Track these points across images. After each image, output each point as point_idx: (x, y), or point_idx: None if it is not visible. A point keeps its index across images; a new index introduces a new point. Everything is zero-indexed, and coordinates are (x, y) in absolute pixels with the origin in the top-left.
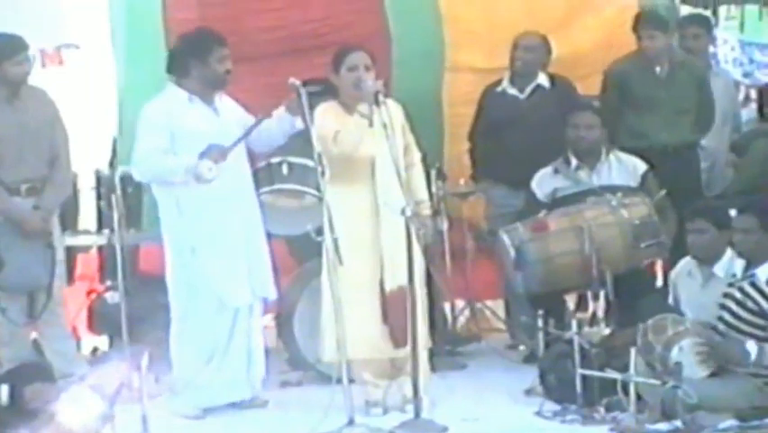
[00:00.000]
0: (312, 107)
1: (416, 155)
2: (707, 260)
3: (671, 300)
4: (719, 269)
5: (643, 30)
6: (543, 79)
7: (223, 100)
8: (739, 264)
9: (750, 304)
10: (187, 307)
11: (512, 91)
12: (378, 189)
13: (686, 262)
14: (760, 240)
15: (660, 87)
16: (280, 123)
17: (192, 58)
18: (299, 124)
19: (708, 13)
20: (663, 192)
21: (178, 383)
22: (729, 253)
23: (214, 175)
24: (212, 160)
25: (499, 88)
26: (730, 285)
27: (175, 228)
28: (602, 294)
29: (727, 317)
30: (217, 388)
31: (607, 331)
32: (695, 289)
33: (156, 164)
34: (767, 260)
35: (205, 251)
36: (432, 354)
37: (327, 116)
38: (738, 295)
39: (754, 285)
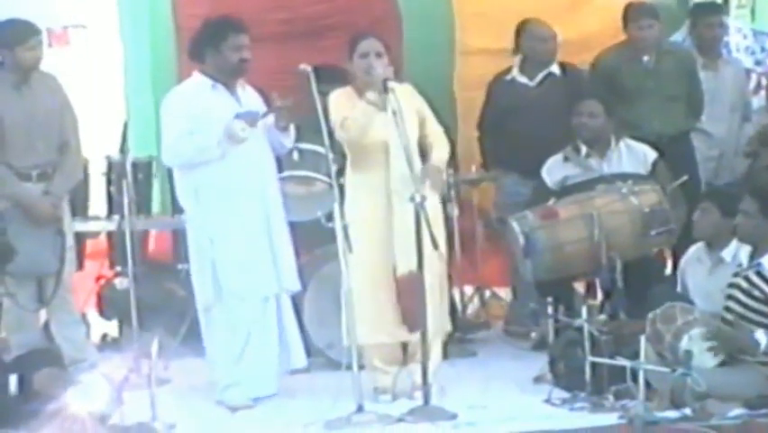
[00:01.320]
0: (325, 93)
1: (435, 127)
2: (710, 242)
3: (679, 288)
4: (727, 254)
5: (638, 20)
6: (554, 68)
7: (246, 90)
8: (745, 252)
9: (756, 293)
10: (211, 298)
11: (522, 79)
12: (391, 175)
13: (696, 249)
14: (759, 225)
15: (648, 76)
16: (270, 135)
17: (207, 45)
18: (287, 142)
19: (719, 1)
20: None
21: (213, 373)
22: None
23: (247, 135)
24: (245, 121)
25: (509, 77)
26: (735, 275)
27: (193, 218)
28: (600, 282)
29: (734, 306)
30: (250, 383)
31: (603, 317)
32: (703, 274)
33: (185, 146)
34: (766, 243)
35: (223, 242)
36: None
37: (339, 102)
38: (744, 284)
39: (759, 274)
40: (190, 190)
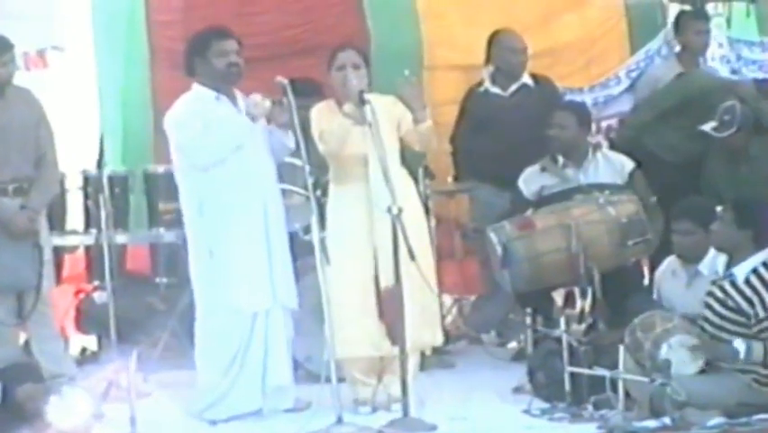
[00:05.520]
0: (301, 107)
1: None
2: (692, 259)
3: (655, 299)
4: (704, 267)
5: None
6: (527, 79)
7: (246, 102)
8: (721, 261)
9: (731, 303)
10: (207, 309)
11: (495, 90)
12: (371, 188)
13: (670, 262)
14: (734, 234)
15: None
16: (272, 138)
17: (194, 55)
18: (289, 142)
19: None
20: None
21: (199, 387)
22: (713, 249)
23: (265, 109)
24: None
25: (482, 88)
26: (713, 283)
27: (195, 230)
28: (579, 292)
29: (711, 316)
30: (233, 398)
31: (582, 327)
32: (680, 288)
33: (208, 141)
34: (740, 253)
35: (222, 254)
36: (422, 353)
37: (320, 115)
38: (720, 294)
39: (733, 284)
40: (194, 204)
